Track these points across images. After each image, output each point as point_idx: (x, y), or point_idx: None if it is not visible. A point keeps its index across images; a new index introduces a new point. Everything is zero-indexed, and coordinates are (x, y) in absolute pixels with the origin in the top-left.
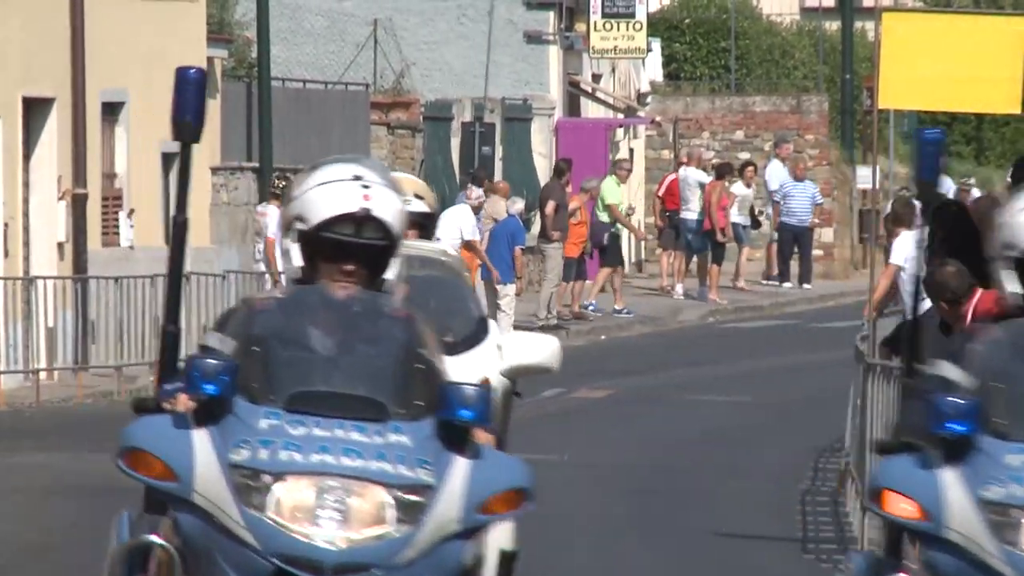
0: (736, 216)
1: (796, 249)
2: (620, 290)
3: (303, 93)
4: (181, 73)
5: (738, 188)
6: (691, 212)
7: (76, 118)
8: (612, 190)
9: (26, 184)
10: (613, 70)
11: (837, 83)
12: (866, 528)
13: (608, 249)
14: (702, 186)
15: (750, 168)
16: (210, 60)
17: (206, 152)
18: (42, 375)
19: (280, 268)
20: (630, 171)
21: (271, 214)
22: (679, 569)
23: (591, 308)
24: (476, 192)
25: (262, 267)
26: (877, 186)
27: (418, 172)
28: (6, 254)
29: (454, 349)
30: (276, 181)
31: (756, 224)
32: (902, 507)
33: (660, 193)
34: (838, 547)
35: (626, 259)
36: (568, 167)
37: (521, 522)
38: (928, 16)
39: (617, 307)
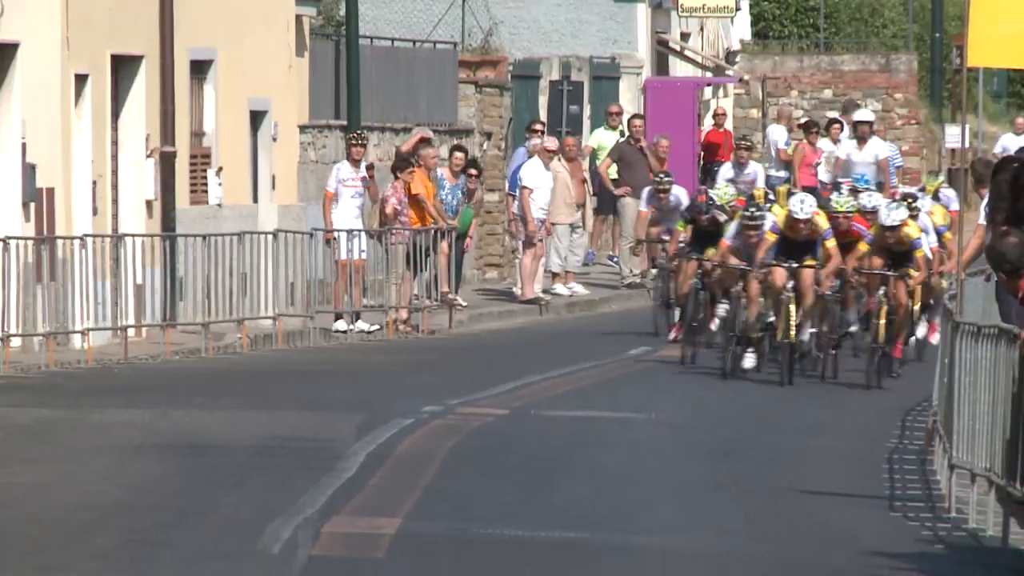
0: (823, 174)
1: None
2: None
3: (391, 51)
4: None
5: (825, 145)
6: (774, 171)
7: (164, 76)
8: (605, 139)
9: (115, 142)
10: (701, 28)
11: (926, 41)
12: (953, 486)
13: (600, 195)
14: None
15: (836, 126)
16: (298, 18)
17: (294, 110)
18: (130, 332)
19: (333, 222)
20: (620, 113)
21: (335, 170)
22: (765, 527)
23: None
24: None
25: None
26: (966, 145)
27: (506, 131)
28: (95, 212)
29: None
30: (349, 138)
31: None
32: None
33: (700, 142)
34: (925, 505)
35: None
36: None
37: (606, 479)
38: None
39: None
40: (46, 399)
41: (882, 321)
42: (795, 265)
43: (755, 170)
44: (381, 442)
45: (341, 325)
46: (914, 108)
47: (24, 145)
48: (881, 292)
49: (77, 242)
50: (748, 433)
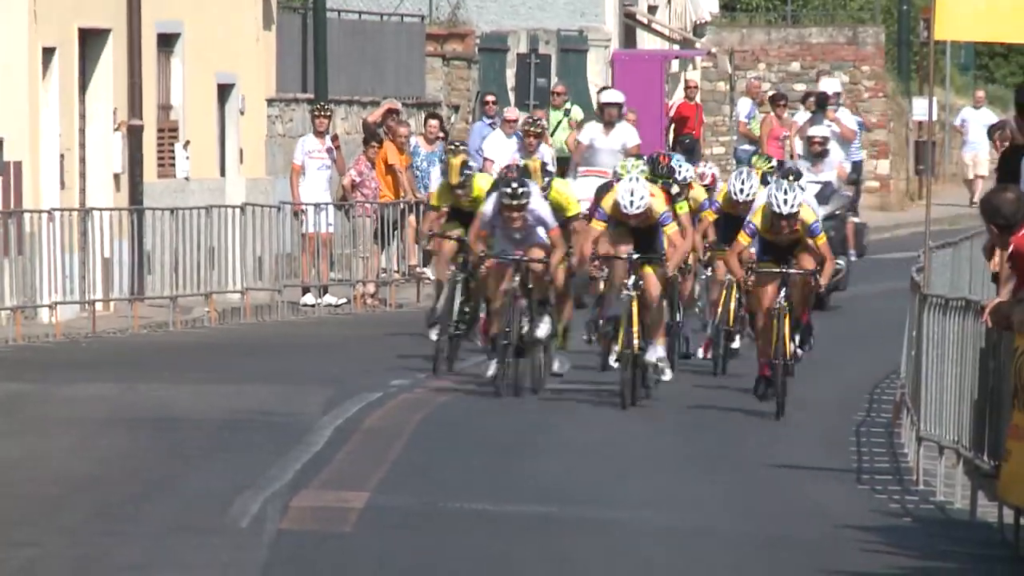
0: (799, 147)
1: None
2: None
3: (358, 25)
4: None
5: (802, 117)
6: (747, 144)
7: (132, 50)
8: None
9: (82, 116)
10: (669, 2)
11: (894, 14)
12: (921, 459)
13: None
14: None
15: (811, 99)
16: None
17: (262, 83)
18: (98, 306)
19: (300, 196)
20: (564, 93)
21: (300, 143)
22: (733, 500)
23: None
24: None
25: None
26: (933, 118)
27: (473, 104)
28: (63, 185)
29: None
30: (313, 110)
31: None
32: None
33: (671, 115)
34: (893, 478)
35: None
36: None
37: (575, 454)
38: None
39: None
40: (14, 373)
41: (787, 331)
42: (635, 256)
43: (541, 154)
44: (349, 416)
45: (309, 299)
46: (881, 81)
47: None
48: (782, 295)
49: (45, 216)
50: (715, 407)
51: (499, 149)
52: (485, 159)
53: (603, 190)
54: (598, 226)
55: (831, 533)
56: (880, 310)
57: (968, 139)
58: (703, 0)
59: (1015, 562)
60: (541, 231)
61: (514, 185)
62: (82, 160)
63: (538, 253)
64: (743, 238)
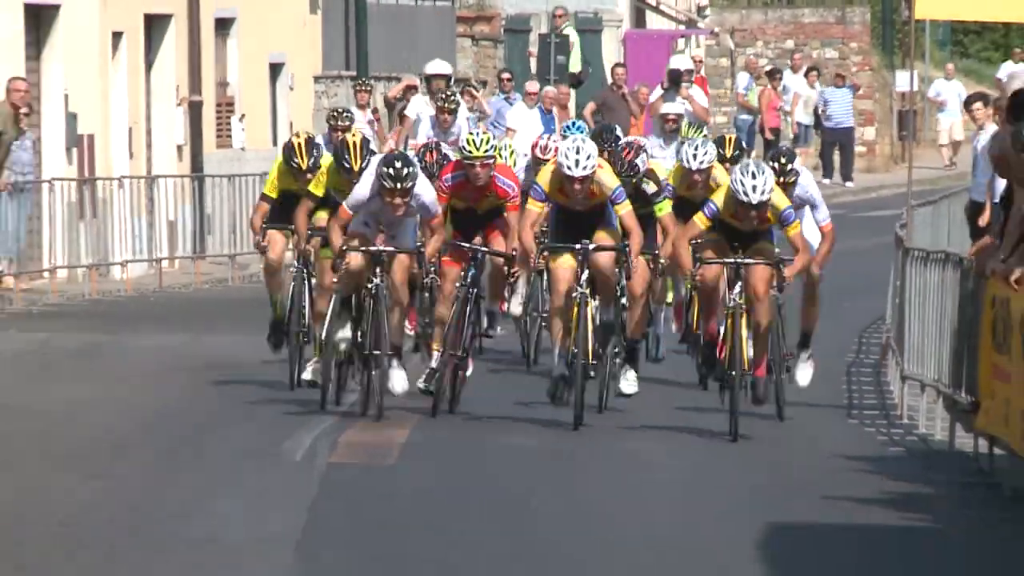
0: (800, 115)
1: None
2: None
3: (395, 9)
4: None
5: (803, 89)
6: (746, 114)
7: (192, 33)
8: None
9: (148, 92)
10: None
11: None
12: (905, 396)
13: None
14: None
15: (813, 72)
16: None
17: (309, 62)
18: (164, 263)
19: None
20: (511, 80)
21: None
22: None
23: None
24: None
25: None
26: (914, 89)
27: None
28: (131, 155)
29: None
30: (355, 86)
31: (819, 123)
32: None
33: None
34: (880, 413)
35: None
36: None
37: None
38: None
39: None
40: (89, 324)
41: (743, 334)
42: (586, 245)
43: (459, 127)
44: None
45: None
46: (867, 56)
47: (66, 96)
48: (737, 291)
49: (115, 183)
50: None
51: (522, 119)
52: (508, 128)
53: (535, 166)
54: (535, 207)
55: (826, 462)
56: (867, 263)
57: (945, 108)
58: None
59: (989, 487)
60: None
61: (398, 164)
62: (148, 132)
63: (403, 260)
64: (701, 220)
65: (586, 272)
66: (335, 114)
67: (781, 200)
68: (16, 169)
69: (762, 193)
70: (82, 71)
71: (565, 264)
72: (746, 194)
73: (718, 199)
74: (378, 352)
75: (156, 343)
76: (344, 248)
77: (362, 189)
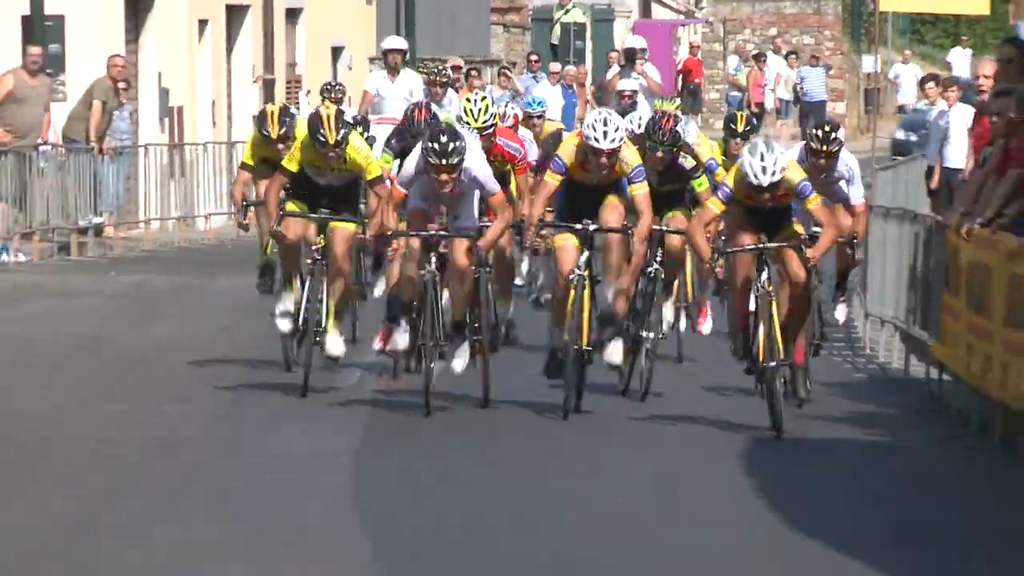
0: (782, 92)
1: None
2: None
3: (438, 0)
4: None
5: (783, 69)
6: (736, 92)
7: (266, 21)
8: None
9: (228, 71)
10: None
11: None
12: (868, 331)
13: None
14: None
15: (792, 55)
16: None
17: (364, 45)
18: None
19: None
20: (539, 60)
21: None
22: (713, 361)
23: None
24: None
25: None
26: (878, 70)
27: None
28: (214, 124)
29: None
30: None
31: (797, 99)
32: None
33: (679, 68)
34: (846, 345)
35: None
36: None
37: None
38: None
39: None
40: (176, 269)
41: (776, 328)
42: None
43: (451, 99)
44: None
45: None
46: (839, 42)
47: (160, 74)
48: (764, 277)
49: (200, 147)
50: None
51: (546, 95)
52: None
53: (554, 141)
54: (553, 180)
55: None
56: None
57: (901, 88)
58: None
59: (941, 412)
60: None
61: (443, 139)
62: (228, 106)
63: (459, 252)
64: (715, 204)
65: (585, 254)
66: (328, 86)
67: (795, 173)
68: (116, 136)
69: (772, 175)
70: (173, 53)
71: (571, 243)
72: (756, 176)
73: (731, 181)
74: (442, 344)
75: (234, 284)
76: (282, 215)
77: (409, 165)
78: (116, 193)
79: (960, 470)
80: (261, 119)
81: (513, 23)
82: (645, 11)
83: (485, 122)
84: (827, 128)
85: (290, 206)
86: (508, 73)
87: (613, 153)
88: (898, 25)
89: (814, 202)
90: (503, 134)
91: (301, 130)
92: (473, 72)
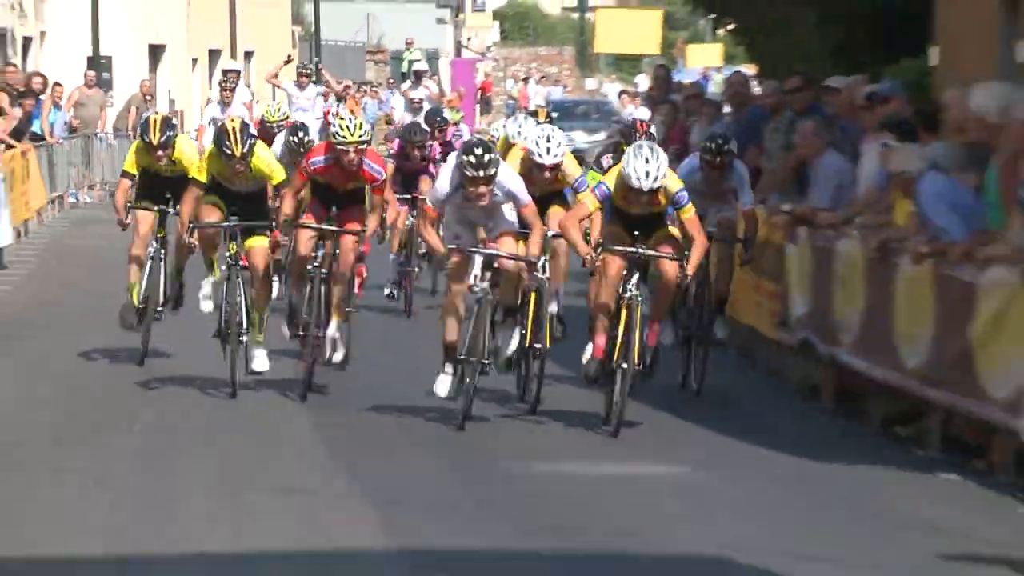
0: (538, 101)
1: None
2: None
3: (334, 46)
4: None
5: (540, 89)
6: (511, 100)
7: (234, 56)
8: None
9: (209, 89)
10: (476, 34)
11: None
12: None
13: None
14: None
15: (543, 79)
16: None
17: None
18: None
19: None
20: (392, 82)
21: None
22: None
23: None
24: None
25: None
26: (595, 87)
27: (387, 83)
28: (202, 117)
29: None
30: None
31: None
32: None
33: (479, 87)
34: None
35: None
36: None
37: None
38: (618, 12)
39: None
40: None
41: (638, 336)
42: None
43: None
44: None
45: None
46: (573, 70)
47: (169, 90)
48: (634, 281)
49: (194, 133)
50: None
51: (396, 105)
52: (391, 111)
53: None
54: (592, 204)
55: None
56: None
57: (608, 97)
58: (491, 32)
59: (722, 348)
60: (508, 212)
61: (478, 151)
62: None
63: (510, 242)
64: (590, 200)
65: (636, 276)
66: (224, 73)
67: (674, 183)
68: None
69: (654, 180)
70: (177, 77)
71: (617, 261)
72: (639, 179)
73: (609, 180)
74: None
75: None
76: (192, 227)
77: (442, 183)
78: None
79: (734, 392)
80: (144, 126)
81: (379, 59)
82: (457, 53)
83: (359, 137)
84: (720, 141)
85: (205, 204)
86: (376, 89)
87: (556, 167)
88: (607, 59)
89: (689, 213)
90: (370, 156)
91: (181, 141)
92: (357, 87)
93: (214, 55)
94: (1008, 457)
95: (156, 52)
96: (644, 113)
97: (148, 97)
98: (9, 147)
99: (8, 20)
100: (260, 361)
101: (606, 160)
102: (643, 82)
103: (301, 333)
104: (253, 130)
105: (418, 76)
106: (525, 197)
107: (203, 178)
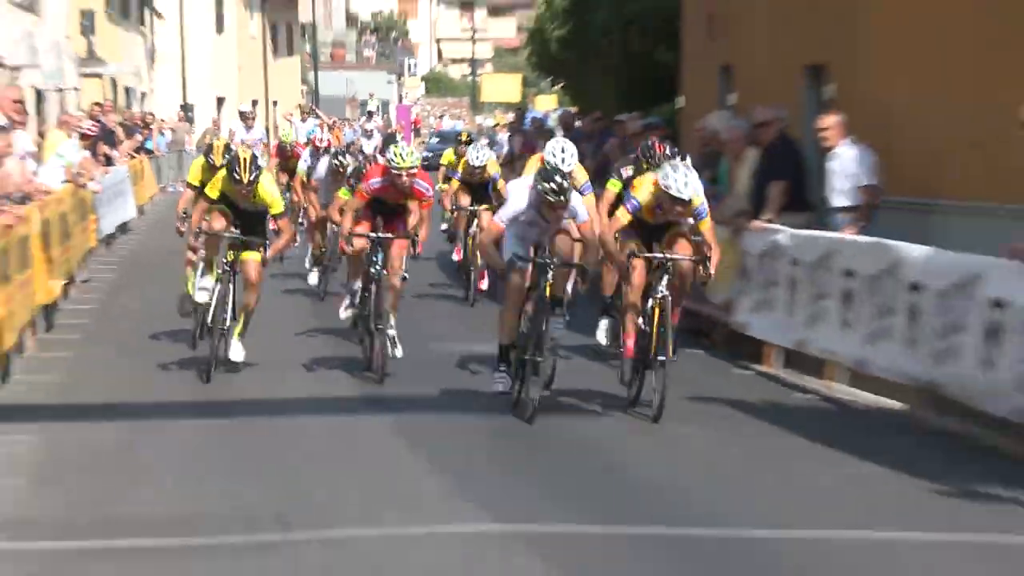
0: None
1: None
2: None
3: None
4: None
5: (448, 122)
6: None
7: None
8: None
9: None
10: (414, 88)
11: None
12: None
13: None
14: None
15: (448, 117)
16: None
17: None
18: None
19: None
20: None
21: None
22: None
23: None
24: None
25: None
26: (483, 124)
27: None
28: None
29: None
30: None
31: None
32: None
33: (413, 120)
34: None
35: None
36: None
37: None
38: (495, 75)
39: None
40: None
41: (670, 329)
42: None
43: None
44: None
45: None
46: (470, 111)
47: (231, 130)
48: (664, 283)
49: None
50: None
51: (355, 135)
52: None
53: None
54: (625, 217)
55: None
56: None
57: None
58: (418, 90)
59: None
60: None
61: (558, 180)
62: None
63: (566, 241)
64: (623, 215)
65: (665, 278)
66: (241, 113)
67: (698, 197)
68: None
69: (693, 190)
70: (234, 119)
71: (642, 266)
72: (679, 190)
73: (641, 195)
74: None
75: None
76: (199, 232)
77: (519, 205)
78: None
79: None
80: (208, 150)
81: (353, 105)
82: (400, 100)
83: (411, 164)
84: (559, 179)
85: (214, 210)
86: (351, 122)
87: (569, 174)
88: (489, 105)
89: (707, 224)
90: (420, 176)
91: (265, 179)
92: (340, 121)
93: (255, 103)
94: (723, 338)
95: (220, 101)
96: (569, 144)
97: (216, 128)
98: (133, 158)
99: (133, 81)
100: (236, 351)
101: (625, 171)
102: (509, 117)
103: (373, 327)
104: (261, 162)
105: (370, 115)
106: (584, 214)
107: (214, 194)
